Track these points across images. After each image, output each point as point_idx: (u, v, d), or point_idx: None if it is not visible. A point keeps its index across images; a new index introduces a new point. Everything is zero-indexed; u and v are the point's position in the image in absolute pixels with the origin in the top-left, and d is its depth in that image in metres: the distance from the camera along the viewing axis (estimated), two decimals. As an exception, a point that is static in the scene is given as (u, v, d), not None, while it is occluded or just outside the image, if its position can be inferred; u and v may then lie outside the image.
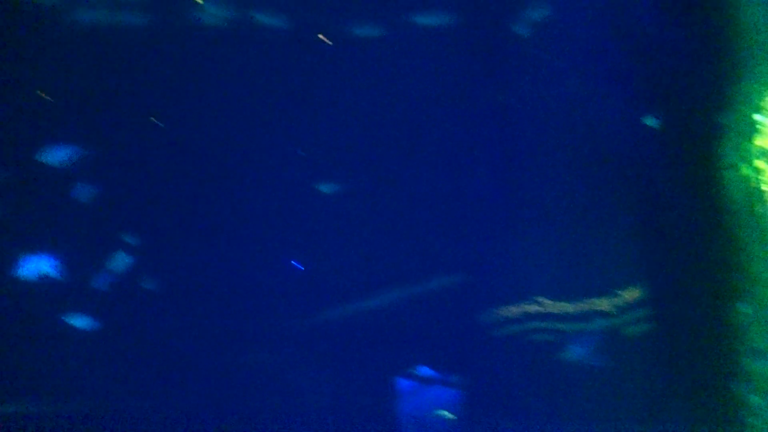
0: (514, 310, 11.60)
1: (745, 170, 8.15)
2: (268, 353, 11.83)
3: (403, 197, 11.84)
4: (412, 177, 11.74)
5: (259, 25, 10.71)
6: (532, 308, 11.54)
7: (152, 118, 11.07)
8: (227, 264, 11.72)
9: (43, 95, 10.61)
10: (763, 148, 7.82)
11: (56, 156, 10.40)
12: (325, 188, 11.43)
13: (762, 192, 7.76)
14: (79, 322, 10.88)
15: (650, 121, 10.08)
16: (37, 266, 10.57)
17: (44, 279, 10.57)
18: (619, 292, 10.93)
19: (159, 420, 11.13)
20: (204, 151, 11.63)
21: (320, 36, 10.39)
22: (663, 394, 10.01)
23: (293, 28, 11.05)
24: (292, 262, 12.01)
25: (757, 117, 7.85)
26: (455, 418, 12.02)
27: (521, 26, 10.63)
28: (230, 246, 11.75)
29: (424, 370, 12.55)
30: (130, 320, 11.54)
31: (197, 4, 10.07)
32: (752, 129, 7.94)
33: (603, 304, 11.08)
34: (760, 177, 7.82)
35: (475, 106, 11.46)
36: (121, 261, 10.91)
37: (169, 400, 11.49)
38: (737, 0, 8.40)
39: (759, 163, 7.86)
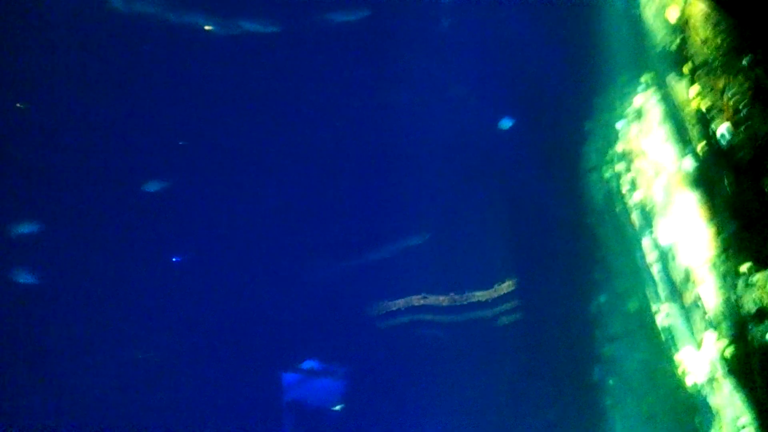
0: (398, 303, 12.06)
1: (606, 172, 8.86)
2: (156, 350, 11.73)
3: (287, 194, 11.90)
4: (293, 174, 11.80)
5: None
6: (415, 301, 12.05)
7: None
8: (107, 261, 11.47)
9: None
10: (622, 153, 8.50)
11: None
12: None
13: (621, 193, 8.45)
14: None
15: (505, 124, 10.73)
16: None
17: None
18: (493, 285, 11.56)
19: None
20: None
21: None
22: (530, 377, 10.75)
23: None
24: (173, 258, 11.94)
25: (618, 124, 8.52)
26: (340, 408, 12.30)
27: (407, 33, 10.97)
28: (112, 242, 11.51)
29: (310, 363, 12.71)
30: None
31: None
32: (614, 135, 8.62)
33: (479, 296, 11.69)
34: (619, 179, 8.51)
35: (352, 109, 11.66)
36: None
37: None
38: (602, 15, 9.07)
39: (619, 166, 8.54)
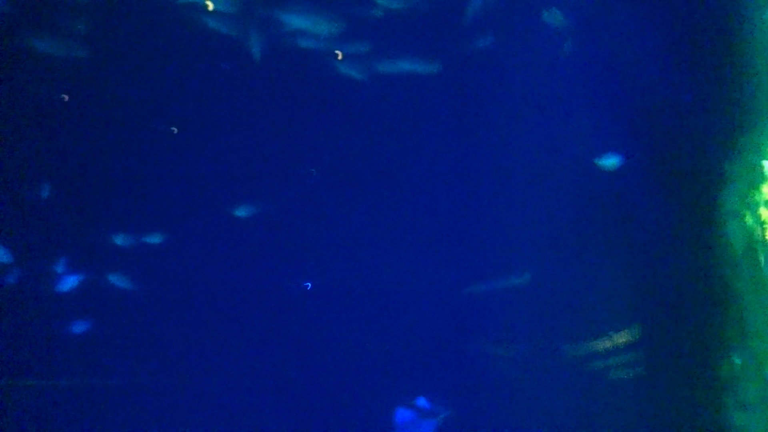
0: (508, 348, 11.49)
1: (748, 219, 8.05)
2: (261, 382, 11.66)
3: (398, 227, 11.76)
4: (404, 208, 11.68)
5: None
6: (526, 348, 11.42)
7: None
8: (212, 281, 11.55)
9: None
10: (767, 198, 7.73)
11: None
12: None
13: (765, 242, 7.66)
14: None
15: (611, 161, 10.02)
16: None
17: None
18: (611, 335, 10.78)
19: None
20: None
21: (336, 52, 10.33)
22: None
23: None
24: (305, 284, 11.89)
25: (765, 164, 7.76)
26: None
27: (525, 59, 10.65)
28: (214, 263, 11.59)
29: (422, 402, 12.37)
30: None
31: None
32: (759, 177, 7.86)
33: (595, 346, 10.93)
34: (764, 227, 7.72)
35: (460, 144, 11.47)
36: None
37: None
38: (745, 49, 8.40)
39: (764, 212, 7.76)
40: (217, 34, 10.14)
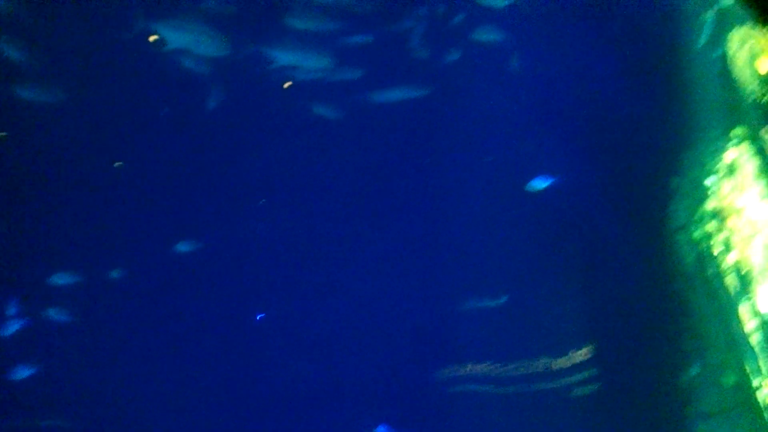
0: (467, 369, 11.46)
1: (696, 233, 8.24)
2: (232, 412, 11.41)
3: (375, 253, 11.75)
4: (381, 234, 11.67)
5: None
6: (483, 368, 11.42)
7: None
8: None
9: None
10: (713, 211, 7.91)
11: None
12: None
13: (713, 255, 7.83)
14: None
15: (537, 184, 10.18)
16: None
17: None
18: (568, 353, 10.86)
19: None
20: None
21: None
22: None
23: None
24: (258, 315, 11.74)
25: (708, 181, 7.96)
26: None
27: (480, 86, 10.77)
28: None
29: (383, 429, 12.23)
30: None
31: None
32: (704, 192, 8.05)
33: (552, 364, 10.99)
34: (711, 239, 7.89)
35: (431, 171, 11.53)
36: None
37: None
38: (690, 69, 8.62)
39: (709, 226, 7.94)
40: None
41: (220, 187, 11.17)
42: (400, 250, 11.60)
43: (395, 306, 11.66)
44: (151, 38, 9.72)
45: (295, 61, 9.95)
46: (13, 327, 10.23)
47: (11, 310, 10.30)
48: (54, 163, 10.54)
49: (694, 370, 8.58)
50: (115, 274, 10.74)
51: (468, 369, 11.49)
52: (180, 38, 9.54)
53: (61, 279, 10.28)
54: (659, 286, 9.10)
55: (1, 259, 10.49)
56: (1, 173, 10.38)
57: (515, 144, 10.90)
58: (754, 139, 7.20)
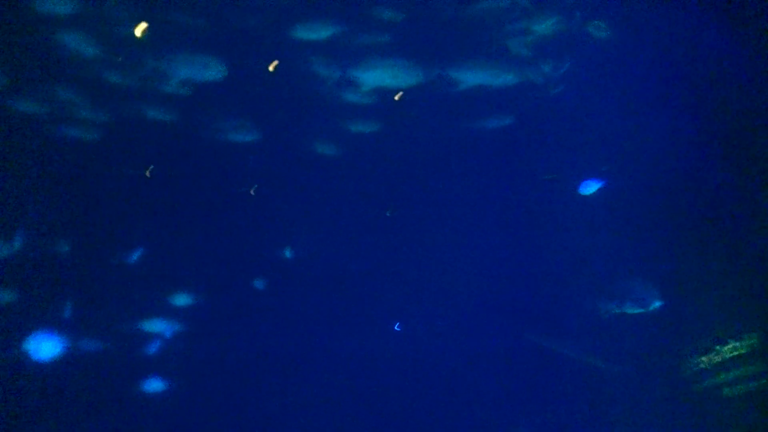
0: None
1: None
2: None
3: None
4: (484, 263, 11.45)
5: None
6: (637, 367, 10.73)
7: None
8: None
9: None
10: None
11: None
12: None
13: None
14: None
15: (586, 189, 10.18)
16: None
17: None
18: (719, 349, 9.94)
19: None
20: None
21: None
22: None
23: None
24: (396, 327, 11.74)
25: None
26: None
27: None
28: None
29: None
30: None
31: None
32: None
33: (705, 362, 10.09)
34: None
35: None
36: None
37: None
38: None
39: None
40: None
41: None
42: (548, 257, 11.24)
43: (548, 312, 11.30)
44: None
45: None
46: (155, 345, 10.60)
47: (154, 327, 10.68)
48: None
49: None
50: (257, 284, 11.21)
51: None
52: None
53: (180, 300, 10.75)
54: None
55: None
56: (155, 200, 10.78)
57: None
58: None
